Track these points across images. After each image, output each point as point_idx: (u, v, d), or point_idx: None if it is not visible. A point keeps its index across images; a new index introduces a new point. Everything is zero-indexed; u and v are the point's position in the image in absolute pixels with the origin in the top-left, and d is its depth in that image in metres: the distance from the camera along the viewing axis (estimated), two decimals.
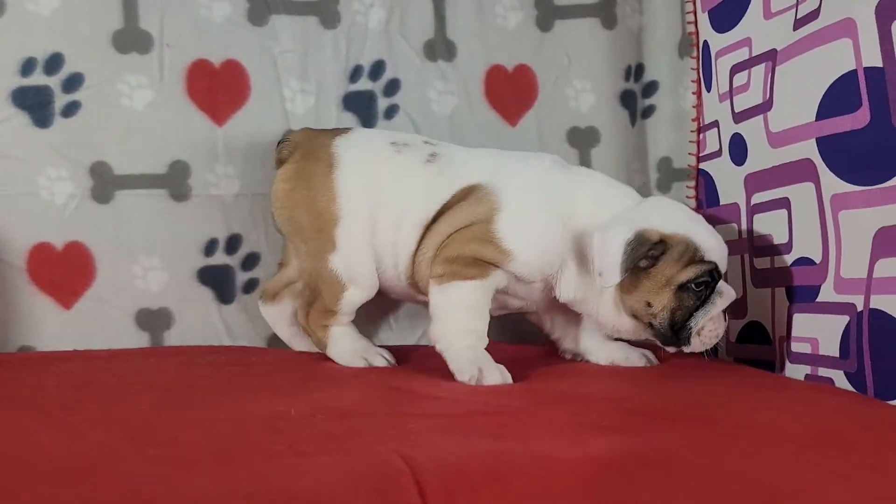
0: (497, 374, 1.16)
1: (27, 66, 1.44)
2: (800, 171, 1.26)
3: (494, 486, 0.66)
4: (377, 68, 1.59)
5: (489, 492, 0.65)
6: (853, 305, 1.17)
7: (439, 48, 1.61)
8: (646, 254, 1.19)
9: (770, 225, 1.37)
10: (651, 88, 1.70)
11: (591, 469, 0.73)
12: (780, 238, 1.34)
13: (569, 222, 1.25)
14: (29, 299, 1.44)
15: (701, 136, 1.62)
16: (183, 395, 1.05)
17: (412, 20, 1.60)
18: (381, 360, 1.30)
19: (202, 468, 0.71)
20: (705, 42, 1.56)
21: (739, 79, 1.43)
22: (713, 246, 1.22)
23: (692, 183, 1.65)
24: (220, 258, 1.52)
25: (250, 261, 1.53)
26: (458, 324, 1.22)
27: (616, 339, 1.37)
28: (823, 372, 1.24)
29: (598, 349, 1.36)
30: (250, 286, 1.53)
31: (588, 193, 1.28)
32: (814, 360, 1.26)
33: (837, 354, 1.20)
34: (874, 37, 1.10)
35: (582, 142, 1.66)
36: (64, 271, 1.45)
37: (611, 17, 1.67)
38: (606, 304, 1.25)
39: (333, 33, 1.57)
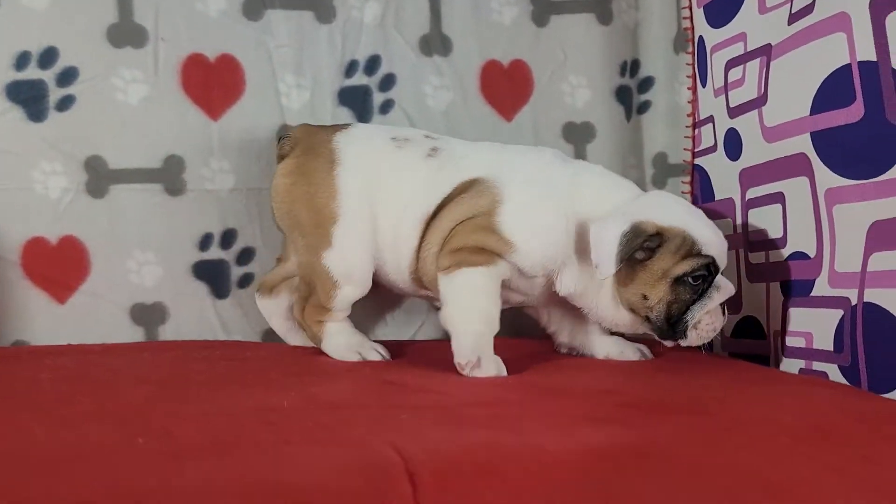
0: (493, 366, 1.16)
1: (21, 60, 1.43)
2: (794, 166, 1.27)
3: (486, 477, 0.66)
4: (372, 63, 1.58)
5: (481, 482, 0.65)
6: (847, 299, 1.17)
7: (435, 43, 1.61)
8: (641, 245, 1.19)
9: (765, 220, 1.37)
10: (647, 84, 1.71)
11: (584, 460, 0.73)
12: (774, 233, 1.34)
13: (571, 216, 1.25)
14: (23, 294, 1.44)
15: (696, 131, 1.62)
16: (177, 388, 1.05)
17: (407, 15, 1.59)
18: (375, 354, 1.30)
19: (195, 461, 0.71)
20: (700, 37, 1.56)
21: (734, 74, 1.43)
22: (711, 240, 1.22)
23: (687, 178, 1.65)
24: (214, 253, 1.52)
25: (245, 255, 1.53)
26: (467, 307, 1.21)
27: (613, 334, 1.37)
28: (818, 366, 1.24)
29: (593, 343, 1.37)
30: (245, 281, 1.53)
31: (590, 187, 1.28)
32: (808, 354, 1.26)
33: (832, 348, 1.21)
34: (868, 31, 1.10)
35: (577, 137, 1.66)
36: (58, 266, 1.45)
37: (606, 13, 1.66)
38: (605, 297, 1.26)
39: (329, 28, 1.57)
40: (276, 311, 1.44)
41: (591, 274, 1.23)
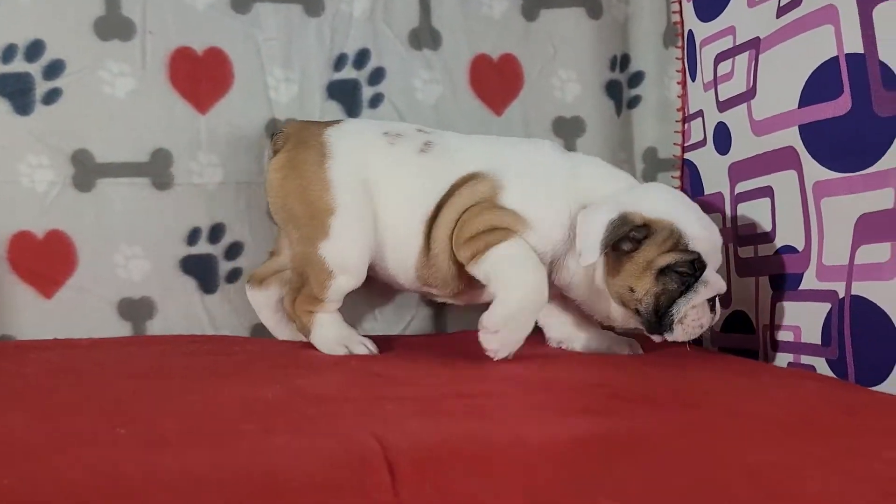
0: (502, 345, 1.17)
1: (8, 53, 1.42)
2: (782, 159, 1.26)
3: (467, 466, 0.66)
4: (362, 57, 1.58)
5: (461, 471, 0.65)
6: (835, 293, 1.17)
7: (424, 37, 1.60)
8: (627, 234, 1.18)
9: (754, 214, 1.37)
10: (637, 78, 1.70)
11: (567, 450, 0.73)
12: (763, 227, 1.34)
13: (572, 203, 1.24)
14: (9, 288, 1.43)
15: (686, 125, 1.62)
16: (161, 381, 1.04)
17: (397, 8, 1.59)
18: (362, 348, 1.29)
19: (176, 449, 0.71)
20: (690, 31, 1.56)
21: (723, 67, 1.42)
22: (699, 236, 1.21)
23: (677, 173, 1.65)
24: (203, 247, 1.51)
25: (234, 250, 1.52)
26: (508, 278, 1.20)
27: (605, 328, 1.37)
28: (806, 360, 1.24)
29: (582, 337, 1.36)
30: (233, 276, 1.52)
31: (588, 177, 1.28)
32: (796, 348, 1.26)
33: (819, 342, 1.20)
34: (855, 23, 1.10)
35: (567, 132, 1.65)
36: (45, 260, 1.44)
37: (596, 7, 1.66)
38: (598, 290, 1.25)
39: (317, 21, 1.56)
40: (265, 303, 1.43)
41: (585, 265, 1.22)
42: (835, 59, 1.14)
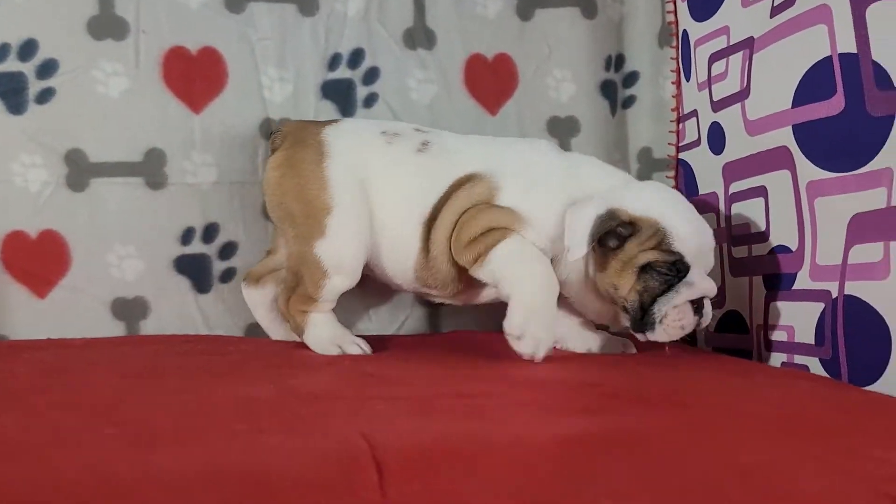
0: (534, 345, 1.16)
1: (1, 52, 1.42)
2: (776, 159, 1.27)
3: (456, 465, 0.66)
4: (356, 56, 1.58)
5: (450, 470, 0.65)
6: (828, 292, 1.17)
7: (419, 36, 1.60)
8: (613, 230, 1.18)
9: (748, 213, 1.37)
10: (631, 78, 1.70)
11: (559, 449, 0.73)
12: (757, 226, 1.34)
13: (570, 201, 1.24)
14: (2, 288, 1.42)
15: (680, 125, 1.62)
16: (154, 380, 1.04)
17: (391, 8, 1.59)
18: (356, 348, 1.29)
19: (165, 447, 0.70)
20: (684, 31, 1.56)
21: (718, 67, 1.43)
22: (685, 236, 1.20)
23: (672, 173, 1.65)
24: (196, 247, 1.50)
25: (227, 250, 1.52)
26: (516, 275, 1.20)
27: (599, 328, 1.37)
28: (799, 359, 1.24)
29: (576, 336, 1.36)
30: (227, 275, 1.52)
31: (585, 176, 1.28)
32: (790, 347, 1.26)
33: (813, 342, 1.21)
34: (849, 22, 1.10)
35: (562, 132, 1.65)
36: (38, 260, 1.44)
37: (591, 7, 1.66)
38: (589, 288, 1.25)
39: (312, 21, 1.56)
40: (261, 302, 1.43)
41: (578, 263, 1.22)
42: (828, 59, 1.14)
